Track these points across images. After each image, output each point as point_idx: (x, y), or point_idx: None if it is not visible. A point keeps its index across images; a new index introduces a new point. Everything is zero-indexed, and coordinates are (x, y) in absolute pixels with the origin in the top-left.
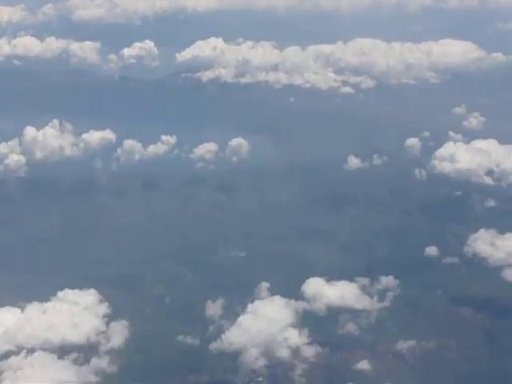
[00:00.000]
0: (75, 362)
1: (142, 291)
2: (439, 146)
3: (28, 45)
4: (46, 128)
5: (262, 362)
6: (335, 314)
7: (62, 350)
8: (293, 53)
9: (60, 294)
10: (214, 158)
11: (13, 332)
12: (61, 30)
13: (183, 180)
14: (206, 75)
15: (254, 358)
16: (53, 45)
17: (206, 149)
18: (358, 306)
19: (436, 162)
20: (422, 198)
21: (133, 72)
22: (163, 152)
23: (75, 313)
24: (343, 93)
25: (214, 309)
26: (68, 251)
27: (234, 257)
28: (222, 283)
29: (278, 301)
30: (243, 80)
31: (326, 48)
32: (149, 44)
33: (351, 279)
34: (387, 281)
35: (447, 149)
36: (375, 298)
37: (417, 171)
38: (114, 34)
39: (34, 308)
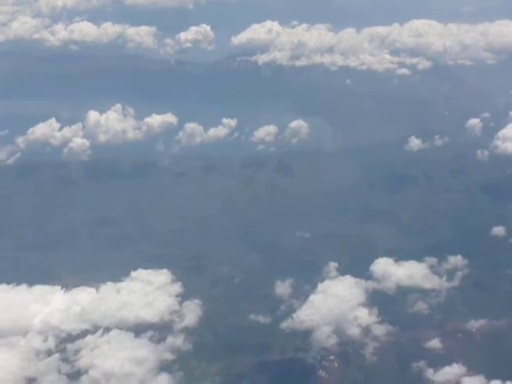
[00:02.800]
0: (151, 340)
1: (210, 272)
2: (500, 126)
3: (84, 30)
4: (109, 112)
5: (333, 341)
6: (404, 293)
7: (138, 329)
8: (348, 35)
9: (133, 273)
10: (274, 140)
11: (89, 311)
12: (114, 15)
13: (244, 162)
14: (262, 58)
15: (325, 336)
16: (109, 30)
17: (266, 131)
18: (427, 285)
19: (498, 143)
20: (484, 179)
21: (189, 56)
22: (224, 135)
23: (148, 292)
24: (399, 74)
25: (283, 288)
26: (134, 232)
27: (299, 237)
28: (289, 263)
29: (348, 280)
30: (298, 63)
31: (381, 30)
32: (205, 28)
33: (419, 259)
34: (455, 260)
35: (510, 129)
36: (444, 277)
37: (479, 152)
38: (167, 19)
39: (108, 288)
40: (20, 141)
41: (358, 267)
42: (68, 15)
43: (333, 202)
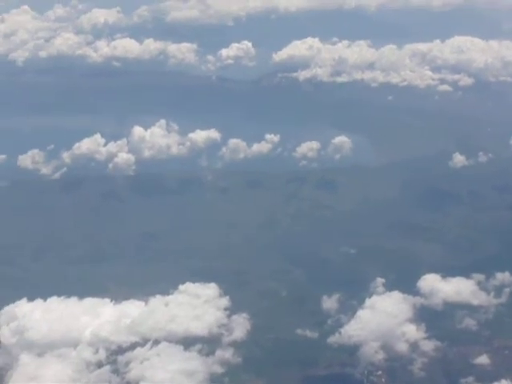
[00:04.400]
0: (200, 353)
1: (256, 286)
2: None
3: (127, 46)
4: (153, 128)
5: (380, 356)
6: (452, 309)
7: (187, 342)
8: (389, 51)
9: (181, 287)
10: (317, 156)
11: (138, 324)
12: (156, 32)
13: (287, 178)
14: (303, 75)
15: (373, 351)
16: (151, 46)
17: (308, 147)
18: (475, 301)
19: None
20: None
21: (230, 72)
22: (267, 150)
23: (197, 305)
24: (441, 91)
25: (330, 303)
26: (179, 246)
27: (345, 253)
28: (335, 279)
29: (396, 296)
30: (339, 79)
31: (422, 46)
32: (247, 45)
33: (466, 275)
34: (503, 277)
35: None
36: (492, 293)
37: None
38: (208, 35)
39: (156, 301)
40: (65, 156)
41: (404, 283)
42: (110, 32)
43: (377, 217)
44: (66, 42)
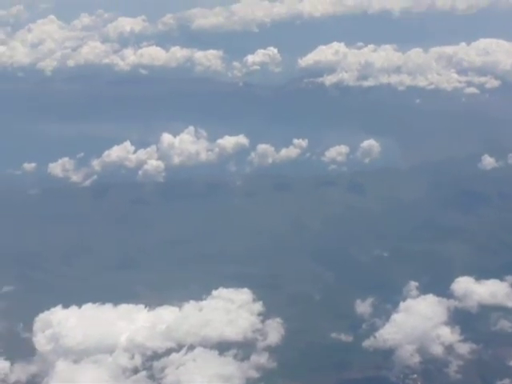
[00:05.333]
0: (235, 358)
1: (288, 290)
2: None
3: (153, 54)
4: (182, 134)
5: (416, 359)
6: (487, 311)
7: (221, 347)
8: (415, 55)
9: (214, 292)
10: (346, 160)
11: (173, 329)
12: (182, 40)
13: (316, 181)
14: (329, 79)
15: (408, 354)
16: (177, 54)
17: (337, 151)
18: (510, 303)
19: None
20: None
21: (257, 78)
22: (295, 155)
23: (231, 310)
24: (468, 93)
25: (364, 307)
26: (210, 251)
27: (377, 256)
28: (369, 282)
29: (430, 299)
30: (366, 83)
31: (448, 49)
32: (273, 51)
33: (500, 277)
34: None
35: None
36: None
37: None
38: (234, 42)
39: (190, 306)
40: (95, 163)
41: (438, 286)
42: (136, 40)
43: (408, 220)
44: (92, 50)
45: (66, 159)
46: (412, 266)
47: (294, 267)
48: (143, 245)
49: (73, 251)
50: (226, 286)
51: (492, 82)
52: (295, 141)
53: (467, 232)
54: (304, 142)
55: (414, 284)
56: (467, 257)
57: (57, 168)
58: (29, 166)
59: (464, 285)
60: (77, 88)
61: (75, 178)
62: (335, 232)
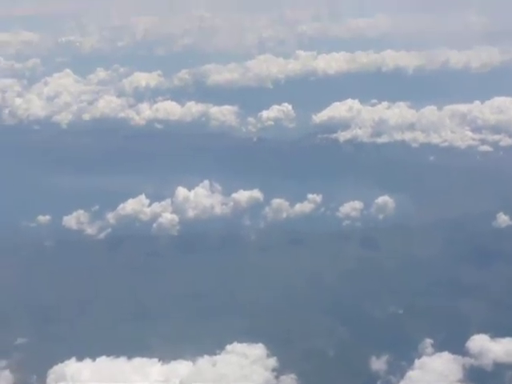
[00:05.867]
0: None
1: (303, 345)
2: None
3: (168, 109)
4: (197, 188)
5: None
6: (502, 370)
7: None
8: (429, 112)
9: (228, 347)
10: (360, 216)
11: None
12: (197, 94)
13: (330, 237)
14: (343, 136)
15: None
16: (192, 109)
17: (351, 207)
18: None
19: None
20: None
21: (271, 133)
22: (310, 210)
23: (245, 366)
24: (482, 151)
25: (379, 364)
26: (224, 306)
27: (392, 312)
28: (383, 339)
29: (445, 356)
30: (380, 140)
31: (462, 107)
32: (287, 107)
33: None
34: None
35: None
36: None
37: None
38: (248, 97)
39: (204, 361)
40: (110, 216)
41: (453, 343)
42: (151, 95)
43: (423, 276)
44: (108, 104)
45: (80, 212)
46: (427, 323)
47: (309, 322)
48: (157, 298)
49: (87, 303)
50: (240, 341)
51: (506, 140)
52: (309, 196)
53: (482, 289)
54: (318, 198)
55: (429, 341)
56: (482, 314)
57: (71, 221)
58: (43, 219)
59: (479, 343)
60: (92, 141)
61: (90, 230)
62: (349, 288)
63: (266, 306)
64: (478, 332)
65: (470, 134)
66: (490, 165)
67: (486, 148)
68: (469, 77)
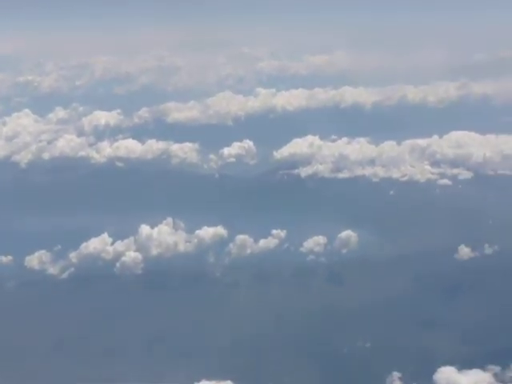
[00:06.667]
0: None
1: (270, 383)
2: None
3: (129, 147)
4: (160, 226)
5: None
6: None
7: None
8: (388, 147)
9: None
10: (324, 251)
11: None
12: (157, 132)
13: (295, 272)
14: (304, 171)
15: None
16: (153, 146)
17: (315, 242)
18: None
19: None
20: None
21: (232, 170)
22: (274, 246)
23: None
24: (441, 185)
25: None
26: (190, 344)
27: (360, 347)
28: (351, 374)
29: None
30: (341, 175)
31: (421, 142)
32: (248, 143)
33: (482, 367)
34: None
35: None
36: None
37: None
38: (209, 134)
39: None
40: (72, 256)
41: (421, 376)
42: (111, 133)
43: (388, 311)
44: (68, 143)
45: (42, 252)
46: (395, 357)
47: (276, 359)
48: (122, 338)
49: (50, 345)
50: (209, 379)
51: (464, 174)
52: (273, 231)
53: (447, 322)
54: (282, 233)
55: (396, 375)
56: (449, 347)
57: (33, 260)
58: (5, 259)
59: (447, 375)
60: (53, 180)
61: (52, 270)
62: (316, 324)
63: (232, 343)
64: (445, 364)
65: (429, 168)
66: (449, 198)
67: (445, 182)
68: (426, 112)
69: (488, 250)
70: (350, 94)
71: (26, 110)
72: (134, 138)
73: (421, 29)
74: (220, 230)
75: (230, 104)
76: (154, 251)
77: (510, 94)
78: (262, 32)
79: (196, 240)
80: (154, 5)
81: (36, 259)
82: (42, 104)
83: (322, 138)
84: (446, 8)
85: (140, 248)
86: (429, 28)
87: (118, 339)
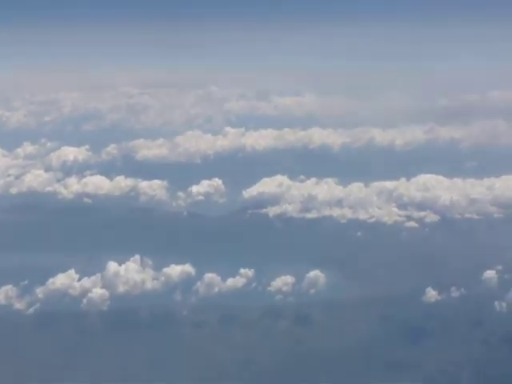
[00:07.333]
0: None
1: None
2: None
3: (97, 183)
4: (128, 263)
5: None
6: None
7: None
8: (356, 189)
9: None
10: (292, 291)
11: None
12: (126, 169)
13: (262, 312)
14: (273, 211)
15: None
16: (121, 183)
17: (283, 281)
18: None
19: None
20: (503, 330)
21: (201, 208)
22: (242, 285)
23: None
24: (408, 227)
25: None
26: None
27: None
28: None
29: None
30: (309, 215)
31: (388, 184)
32: (217, 182)
33: None
34: None
35: None
36: None
37: (496, 303)
38: (178, 172)
39: None
40: (39, 291)
41: None
42: (79, 169)
43: (354, 353)
44: (35, 178)
45: (9, 287)
46: None
47: None
48: (88, 377)
49: (13, 381)
50: None
51: (431, 217)
52: (241, 270)
53: (414, 366)
54: (250, 272)
55: None
56: None
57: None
58: None
59: None
60: (20, 216)
61: (18, 305)
62: (282, 365)
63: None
64: None
65: (396, 210)
66: (416, 241)
67: (411, 224)
68: (394, 155)
69: (455, 293)
70: (318, 136)
71: None
72: (102, 175)
73: (386, 75)
74: (188, 268)
75: (199, 142)
76: (121, 288)
77: (477, 139)
78: (231, 73)
79: (163, 278)
80: (124, 42)
81: (2, 294)
82: (9, 139)
83: (290, 178)
84: (408, 56)
85: (107, 285)
86: (394, 74)
87: (83, 378)
